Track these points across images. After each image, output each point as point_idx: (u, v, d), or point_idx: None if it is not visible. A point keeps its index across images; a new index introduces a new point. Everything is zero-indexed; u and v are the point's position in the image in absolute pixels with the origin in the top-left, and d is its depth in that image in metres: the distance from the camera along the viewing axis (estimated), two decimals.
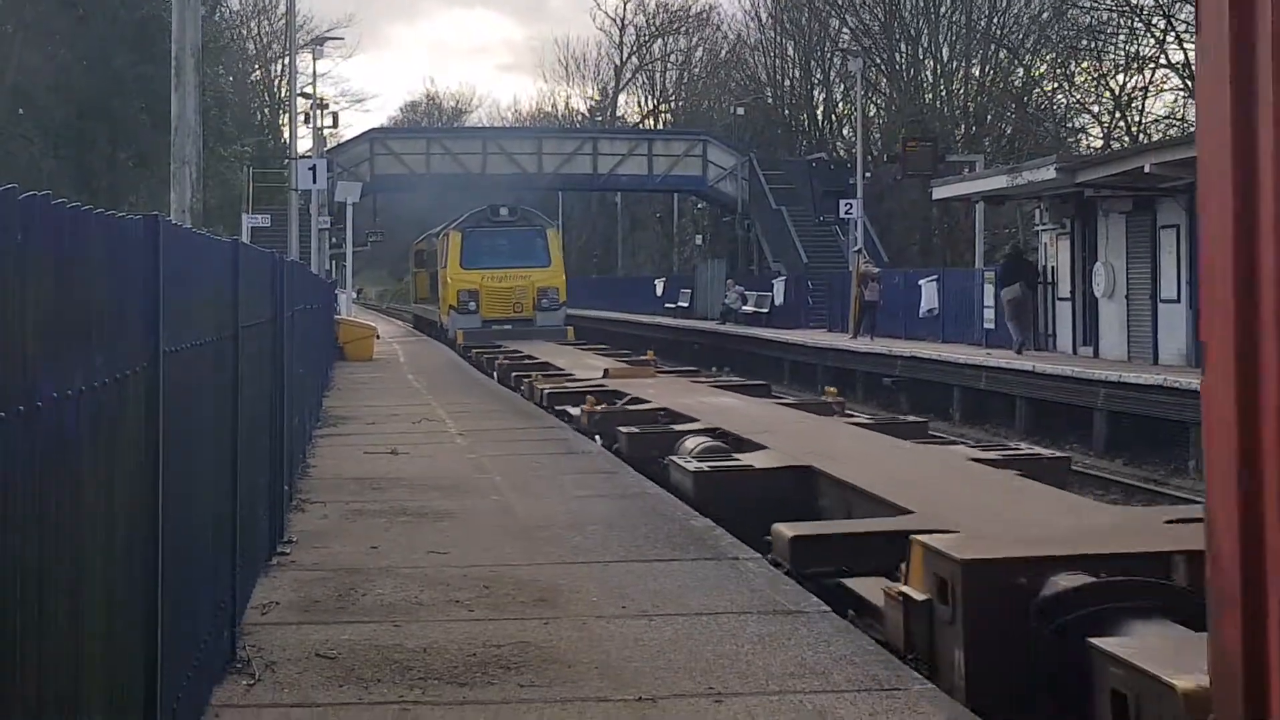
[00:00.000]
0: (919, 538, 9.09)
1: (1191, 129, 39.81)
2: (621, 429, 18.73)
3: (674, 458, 15.54)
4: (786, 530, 10.57)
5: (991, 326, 35.37)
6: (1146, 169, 25.59)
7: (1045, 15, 61.71)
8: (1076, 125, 60.35)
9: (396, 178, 69.90)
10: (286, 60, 51.93)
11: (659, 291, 69.06)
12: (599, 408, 21.28)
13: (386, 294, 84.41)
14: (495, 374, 32.64)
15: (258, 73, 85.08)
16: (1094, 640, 7.50)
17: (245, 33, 77.29)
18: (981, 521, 10.46)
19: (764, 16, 76.18)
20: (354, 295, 60.81)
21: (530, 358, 35.25)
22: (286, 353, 12.58)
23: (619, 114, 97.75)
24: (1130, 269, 29.30)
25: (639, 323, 62.07)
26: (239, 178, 46.86)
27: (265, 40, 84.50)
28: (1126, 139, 51.00)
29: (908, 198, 56.11)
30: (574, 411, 22.08)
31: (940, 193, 40.14)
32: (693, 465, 14.63)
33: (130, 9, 23.30)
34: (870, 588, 9.75)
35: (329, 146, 66.13)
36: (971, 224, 47.30)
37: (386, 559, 10.70)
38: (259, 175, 52.65)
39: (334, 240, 58.62)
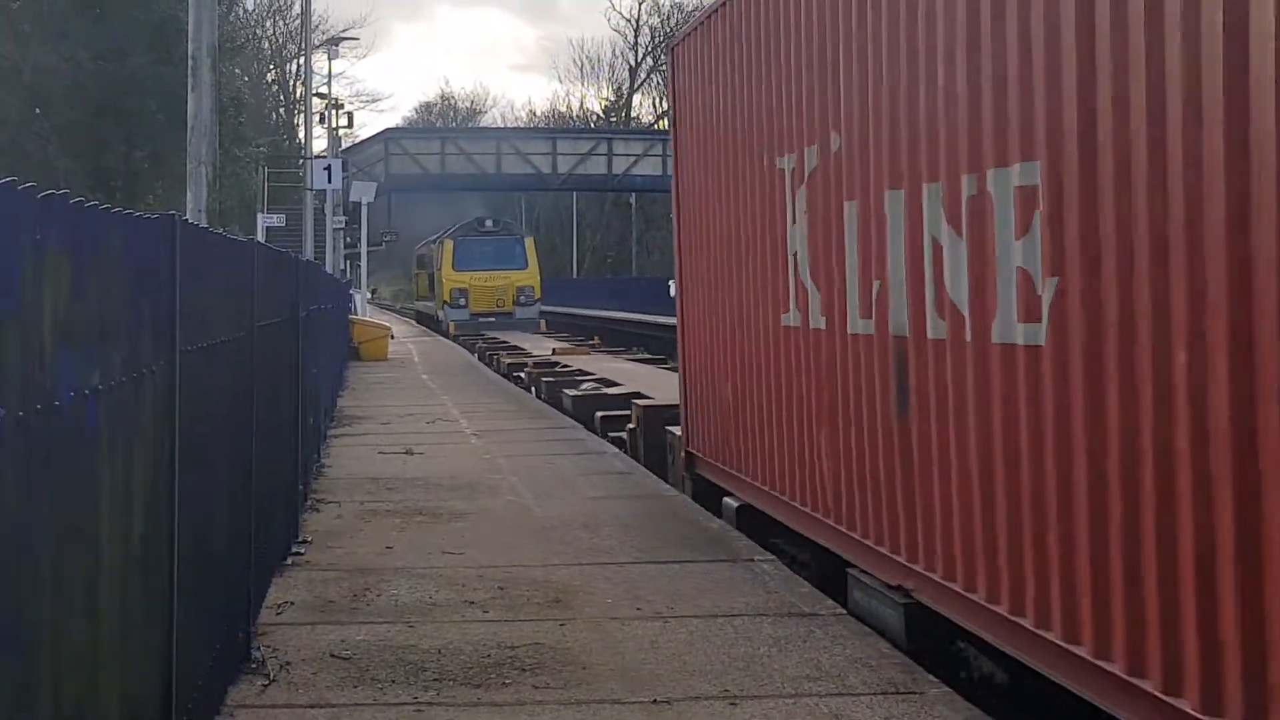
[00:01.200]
0: (637, 401, 19.52)
1: None
2: (544, 379, 29.33)
3: (568, 390, 25.45)
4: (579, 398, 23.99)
5: None
6: None
7: None
8: None
9: (411, 177, 70.23)
10: (302, 60, 52.08)
11: (672, 292, 68.78)
12: (536, 370, 31.81)
13: (401, 294, 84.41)
14: (476, 355, 41.61)
15: (273, 73, 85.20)
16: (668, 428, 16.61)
17: (260, 33, 77.41)
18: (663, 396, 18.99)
19: None
20: (368, 295, 60.85)
21: (504, 342, 45.23)
22: (302, 352, 12.60)
23: (634, 114, 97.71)
24: None
25: (642, 322, 61.54)
26: (254, 178, 46.87)
27: (280, 40, 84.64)
28: None
29: None
30: (522, 375, 32.24)
31: None
32: (574, 393, 24.82)
33: (147, 10, 23.29)
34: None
35: (344, 147, 66.29)
36: None
37: (401, 559, 10.70)
38: (274, 175, 52.65)
39: (349, 240, 58.73)
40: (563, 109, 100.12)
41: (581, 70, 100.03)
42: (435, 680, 7.51)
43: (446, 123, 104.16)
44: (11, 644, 3.21)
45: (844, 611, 8.99)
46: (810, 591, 9.54)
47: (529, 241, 61.82)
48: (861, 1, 9.67)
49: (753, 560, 10.59)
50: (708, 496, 13.74)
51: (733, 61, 13.25)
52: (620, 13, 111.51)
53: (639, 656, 7.96)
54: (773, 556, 10.71)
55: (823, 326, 10.51)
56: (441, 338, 53.86)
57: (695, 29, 15.08)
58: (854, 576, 9.43)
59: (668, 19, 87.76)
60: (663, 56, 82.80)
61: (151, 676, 5.06)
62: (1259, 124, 5.49)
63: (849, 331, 9.91)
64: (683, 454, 14.95)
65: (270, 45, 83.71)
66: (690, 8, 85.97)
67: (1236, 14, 5.58)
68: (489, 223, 61.73)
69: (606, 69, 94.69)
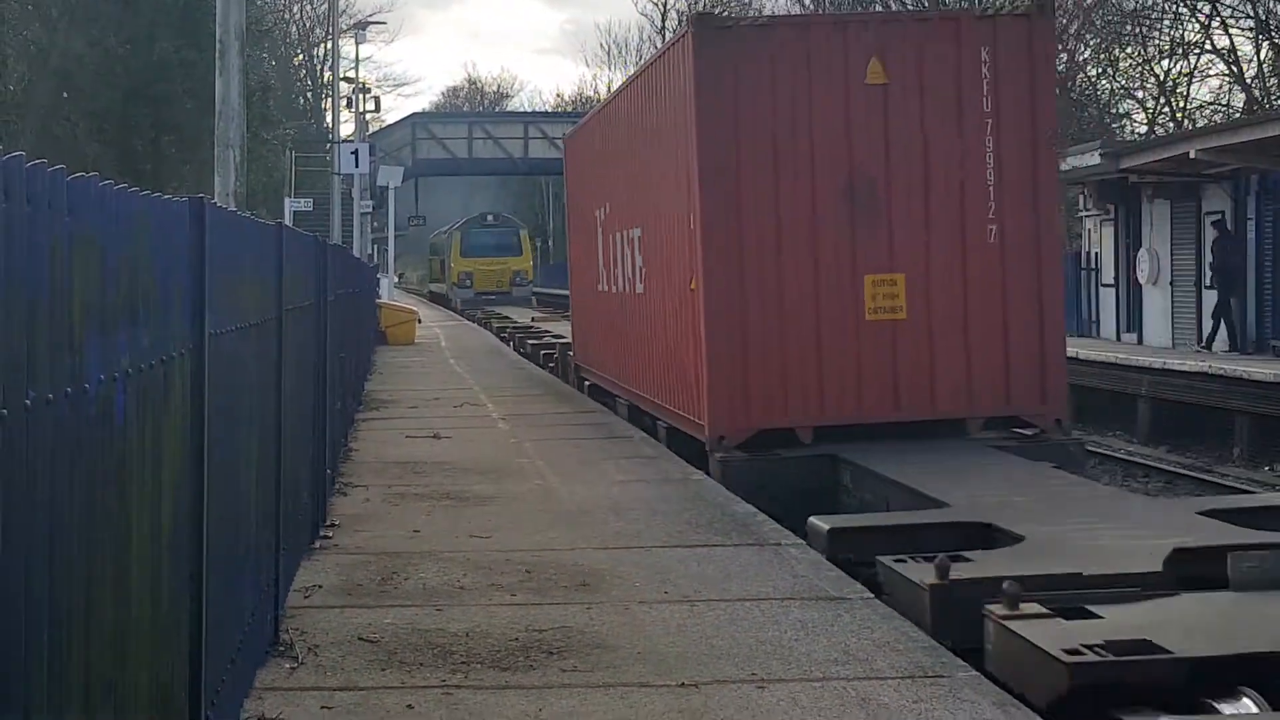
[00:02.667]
0: (556, 341, 34.39)
1: (1237, 114, 39.82)
2: (519, 337, 40.91)
3: (529, 342, 37.08)
4: (534, 345, 37.07)
5: None
6: (1192, 155, 25.59)
7: (1089, 1, 61.43)
8: (1121, 111, 59.95)
9: (438, 162, 70.47)
10: (329, 45, 52.09)
11: None
12: (515, 332, 43.10)
13: (427, 278, 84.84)
14: (490, 330, 48.33)
15: (301, 57, 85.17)
16: (569, 354, 29.25)
17: (288, 17, 77.34)
18: None
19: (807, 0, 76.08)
20: (395, 279, 61.21)
21: (500, 314, 56.13)
22: (329, 335, 12.63)
23: None
24: (1175, 255, 29.27)
25: None
26: (282, 162, 46.95)
27: (308, 25, 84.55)
28: (1171, 125, 50.64)
29: None
30: (505, 334, 43.55)
31: None
32: (532, 343, 36.59)
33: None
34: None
35: (371, 131, 66.35)
36: None
37: (428, 543, 10.75)
38: (302, 159, 52.76)
39: (376, 224, 58.98)
40: (590, 93, 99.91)
41: (609, 54, 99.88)
42: (463, 663, 7.54)
43: (474, 107, 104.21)
44: (43, 623, 3.22)
45: (871, 595, 8.99)
46: (838, 576, 9.53)
47: (524, 233, 73.95)
48: (605, 144, 22.95)
49: (780, 544, 10.59)
50: (581, 385, 25.51)
51: (581, 155, 26.38)
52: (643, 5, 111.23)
53: (667, 640, 7.99)
54: (800, 540, 10.70)
55: (608, 290, 22.64)
56: (467, 321, 55.54)
57: (574, 134, 28.94)
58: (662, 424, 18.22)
59: (695, 2, 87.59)
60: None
61: (181, 657, 5.08)
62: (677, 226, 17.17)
63: (614, 291, 22.08)
64: (573, 365, 27.28)
65: (298, 29, 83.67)
66: None
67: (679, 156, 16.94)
68: (490, 217, 73.49)
69: (634, 53, 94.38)
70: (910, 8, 58.88)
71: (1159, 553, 9.18)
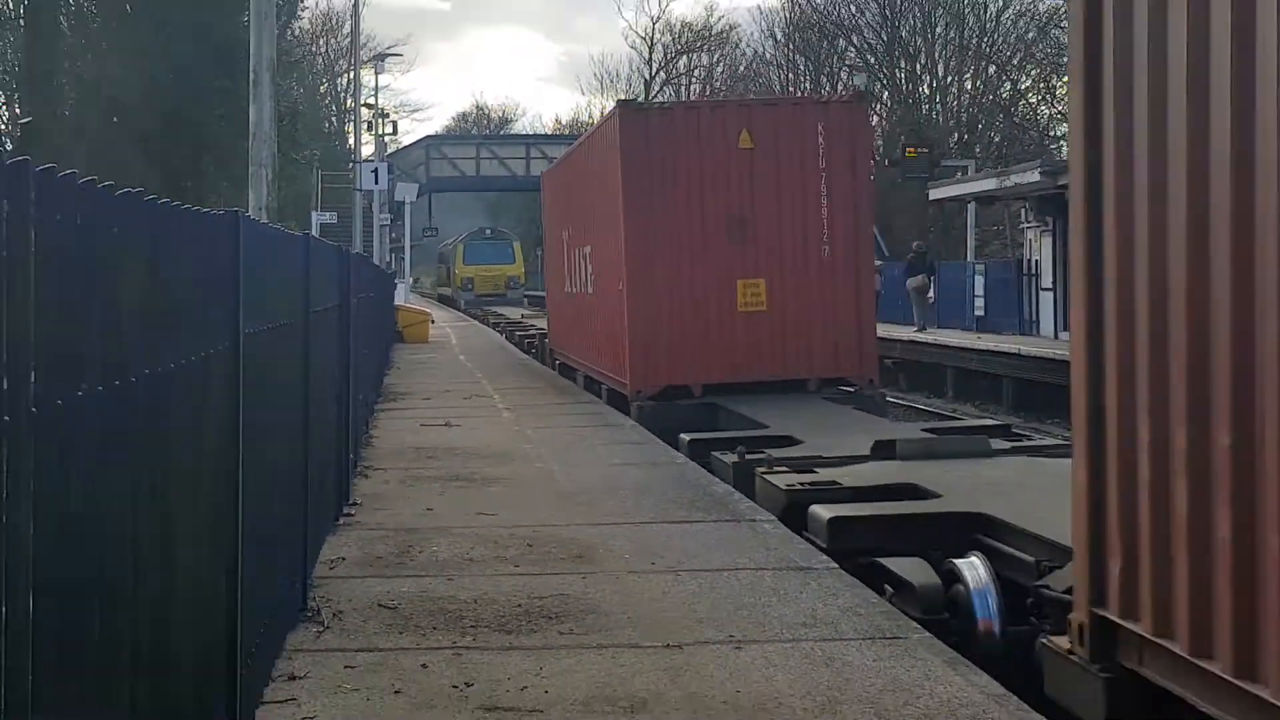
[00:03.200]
0: (537, 330, 37.69)
1: None
2: (510, 329, 43.44)
3: (517, 333, 38.77)
4: (521, 336, 39.95)
5: (982, 313, 35.41)
6: None
7: (1030, 35, 61.67)
8: (1059, 134, 60.23)
9: (449, 179, 70.96)
10: (352, 75, 52.01)
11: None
12: (508, 326, 46.23)
13: (437, 282, 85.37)
14: (494, 327, 49.85)
15: (325, 85, 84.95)
16: (545, 340, 33.32)
17: (314, 49, 77.27)
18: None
19: (779, 35, 75.95)
20: (410, 284, 61.31)
21: (496, 312, 58.82)
22: (351, 335, 12.63)
23: None
24: None
25: None
26: (309, 179, 46.95)
27: (332, 56, 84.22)
28: None
29: (907, 199, 55.96)
30: (500, 326, 47.23)
31: (936, 194, 42.11)
32: (519, 333, 37.86)
33: (212, 30, 23.35)
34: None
35: (389, 151, 66.27)
36: (964, 222, 47.60)
37: (441, 520, 10.74)
38: (327, 177, 52.80)
39: (393, 235, 59.08)
40: (584, 118, 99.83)
41: (601, 83, 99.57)
42: (472, 627, 7.54)
43: (481, 130, 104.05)
44: (94, 593, 3.23)
45: (836, 566, 9.01)
46: (806, 549, 9.55)
47: (517, 244, 76.51)
48: (567, 183, 25.93)
49: (755, 520, 10.60)
50: (554, 364, 28.31)
51: (553, 189, 29.59)
52: (636, 32, 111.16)
53: (653, 606, 8.00)
54: (773, 517, 10.74)
55: (572, 292, 25.06)
56: (472, 320, 56.59)
57: (548, 173, 31.99)
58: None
59: (679, 36, 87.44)
60: (674, 70, 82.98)
61: (219, 623, 5.09)
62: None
63: (574, 292, 24.64)
64: (549, 349, 30.20)
65: (323, 61, 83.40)
66: (699, 27, 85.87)
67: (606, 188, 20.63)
68: (488, 231, 77.11)
69: (624, 82, 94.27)
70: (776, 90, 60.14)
71: (869, 443, 12.97)
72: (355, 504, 11.36)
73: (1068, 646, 6.58)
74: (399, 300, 41.77)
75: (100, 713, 3.27)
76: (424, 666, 6.77)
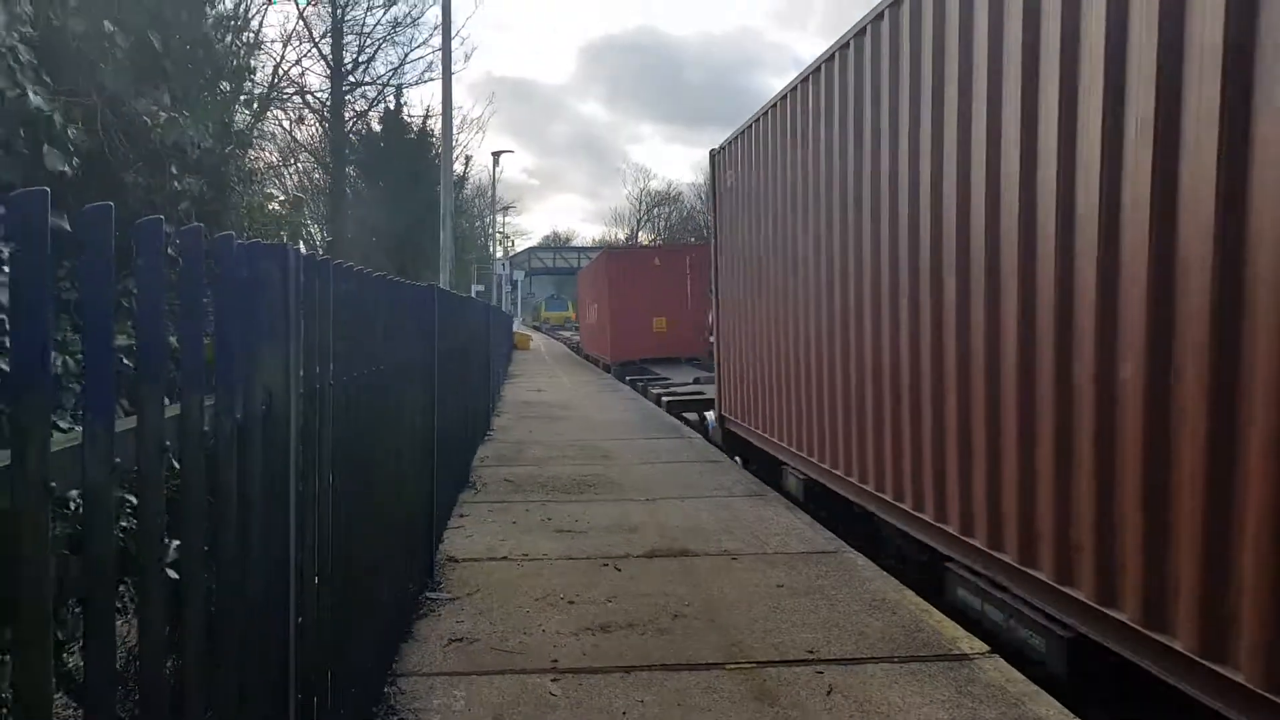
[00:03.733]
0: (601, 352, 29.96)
1: None
2: (565, 341, 40.48)
3: (572, 342, 36.83)
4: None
5: None
6: None
7: None
8: None
9: (540, 268, 70.76)
10: (490, 218, 51.91)
11: None
12: (565, 340, 41.11)
13: (530, 321, 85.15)
14: (566, 347, 44.00)
15: (479, 223, 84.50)
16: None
17: (474, 203, 77.00)
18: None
19: (702, 199, 75.42)
20: (520, 320, 61.29)
21: (558, 334, 52.88)
22: (491, 344, 12.59)
23: (638, 240, 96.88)
24: None
25: None
26: (471, 268, 46.98)
27: (482, 205, 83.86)
28: None
29: None
30: (566, 343, 40.95)
31: None
32: (572, 342, 36.33)
33: (423, 194, 23.48)
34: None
35: (511, 255, 66.10)
36: None
37: (536, 437, 10.68)
38: (482, 267, 52.78)
39: (512, 296, 58.83)
40: (609, 238, 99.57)
41: (616, 220, 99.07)
42: (550, 490, 7.49)
43: (554, 244, 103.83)
44: (362, 475, 3.23)
45: (735, 460, 8.97)
46: (717, 451, 9.52)
47: (571, 303, 73.66)
48: (586, 281, 28.04)
49: (690, 437, 10.56)
50: (585, 357, 28.43)
51: (581, 282, 31.20)
52: (630, 197, 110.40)
53: (643, 480, 7.93)
54: (700, 434, 10.68)
55: (590, 322, 26.23)
56: (553, 340, 55.54)
57: (581, 272, 32.42)
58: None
59: (652, 198, 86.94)
60: (647, 217, 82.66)
61: (427, 488, 5.08)
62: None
63: (591, 323, 26.28)
64: (577, 346, 32.20)
65: (476, 208, 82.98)
66: (660, 194, 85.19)
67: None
68: (556, 295, 74.28)
69: (626, 221, 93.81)
70: (703, 224, 59.27)
71: (694, 378, 15.56)
72: (492, 430, 11.32)
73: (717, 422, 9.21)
74: (515, 328, 41.61)
75: (370, 524, 3.27)
76: (527, 510, 6.73)
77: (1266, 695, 2.72)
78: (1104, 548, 3.46)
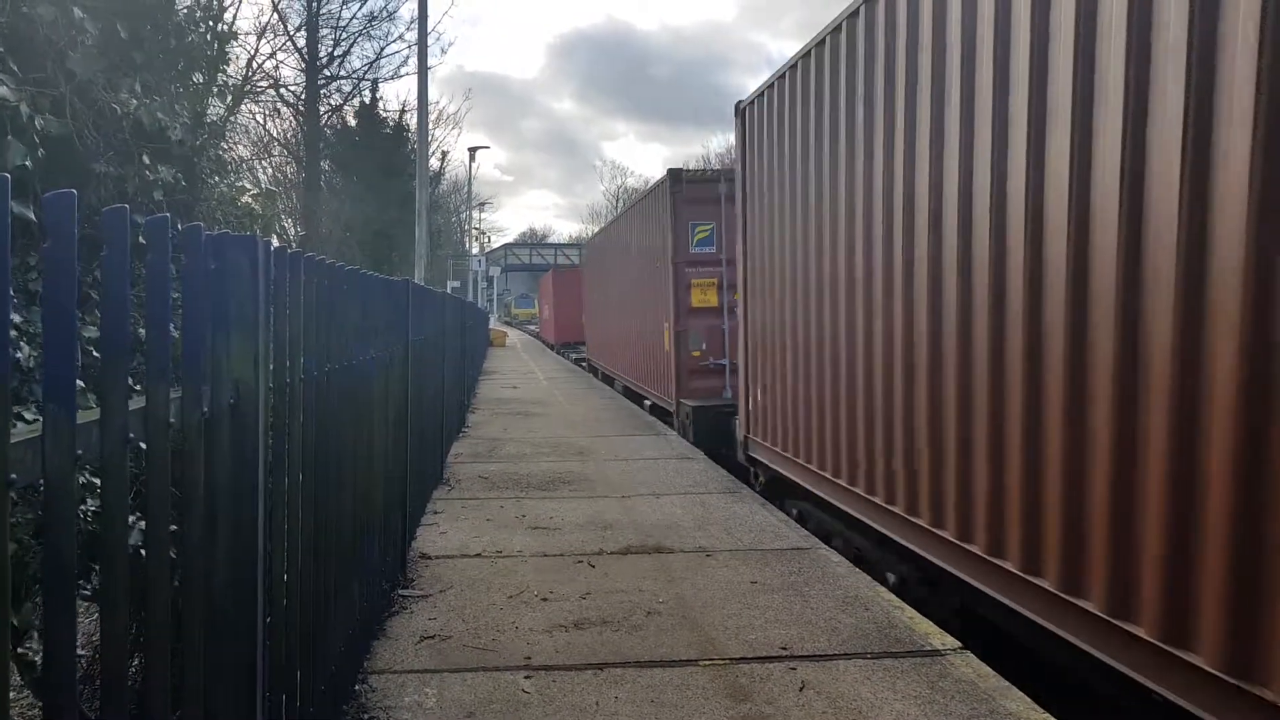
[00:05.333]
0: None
1: None
2: (532, 334, 39.96)
3: (539, 336, 35.86)
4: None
5: None
6: None
7: None
8: None
9: (516, 265, 70.56)
10: (466, 214, 51.64)
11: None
12: (532, 333, 41.53)
13: (503, 317, 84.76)
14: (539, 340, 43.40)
15: (454, 218, 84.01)
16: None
17: (450, 200, 76.57)
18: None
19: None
20: (497, 317, 61.08)
21: (526, 329, 52.88)
22: (466, 340, 12.52)
23: None
24: None
25: None
26: (445, 264, 46.67)
27: (458, 202, 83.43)
28: None
29: None
30: (531, 335, 42.10)
31: None
32: (539, 336, 34.70)
33: (399, 189, 23.28)
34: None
35: (487, 251, 65.84)
36: None
37: (510, 434, 10.63)
38: (458, 263, 52.46)
39: (488, 293, 58.59)
40: (586, 235, 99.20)
41: (593, 217, 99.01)
42: (525, 487, 7.47)
43: (531, 240, 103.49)
44: (334, 471, 3.20)
45: (706, 456, 8.98)
46: (691, 446, 9.52)
47: (538, 299, 79.64)
48: (545, 287, 32.58)
49: (665, 434, 10.55)
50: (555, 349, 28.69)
51: (544, 290, 30.52)
52: (605, 194, 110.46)
53: (617, 477, 7.92)
54: (674, 431, 10.67)
55: (547, 319, 27.94)
56: (533, 339, 55.50)
57: (543, 279, 32.06)
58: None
59: (631, 193, 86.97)
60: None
61: (400, 485, 5.04)
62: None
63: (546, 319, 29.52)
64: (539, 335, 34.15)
65: (452, 204, 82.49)
66: (634, 188, 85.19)
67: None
68: (523, 294, 73.05)
69: (602, 218, 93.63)
70: None
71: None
72: (468, 426, 11.27)
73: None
74: (491, 325, 41.44)
75: (341, 520, 3.25)
76: (501, 507, 6.70)
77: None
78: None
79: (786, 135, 6.45)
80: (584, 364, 22.19)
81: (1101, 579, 3.21)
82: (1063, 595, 3.44)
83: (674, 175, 10.60)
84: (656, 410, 12.41)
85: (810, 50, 5.98)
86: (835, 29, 5.61)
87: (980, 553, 4.03)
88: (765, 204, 6.84)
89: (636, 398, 13.84)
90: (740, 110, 7.49)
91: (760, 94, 6.94)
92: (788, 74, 6.39)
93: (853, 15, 5.36)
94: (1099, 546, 3.25)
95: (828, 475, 5.74)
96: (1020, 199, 3.77)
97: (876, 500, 5.05)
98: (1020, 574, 3.75)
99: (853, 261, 5.35)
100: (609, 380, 16.87)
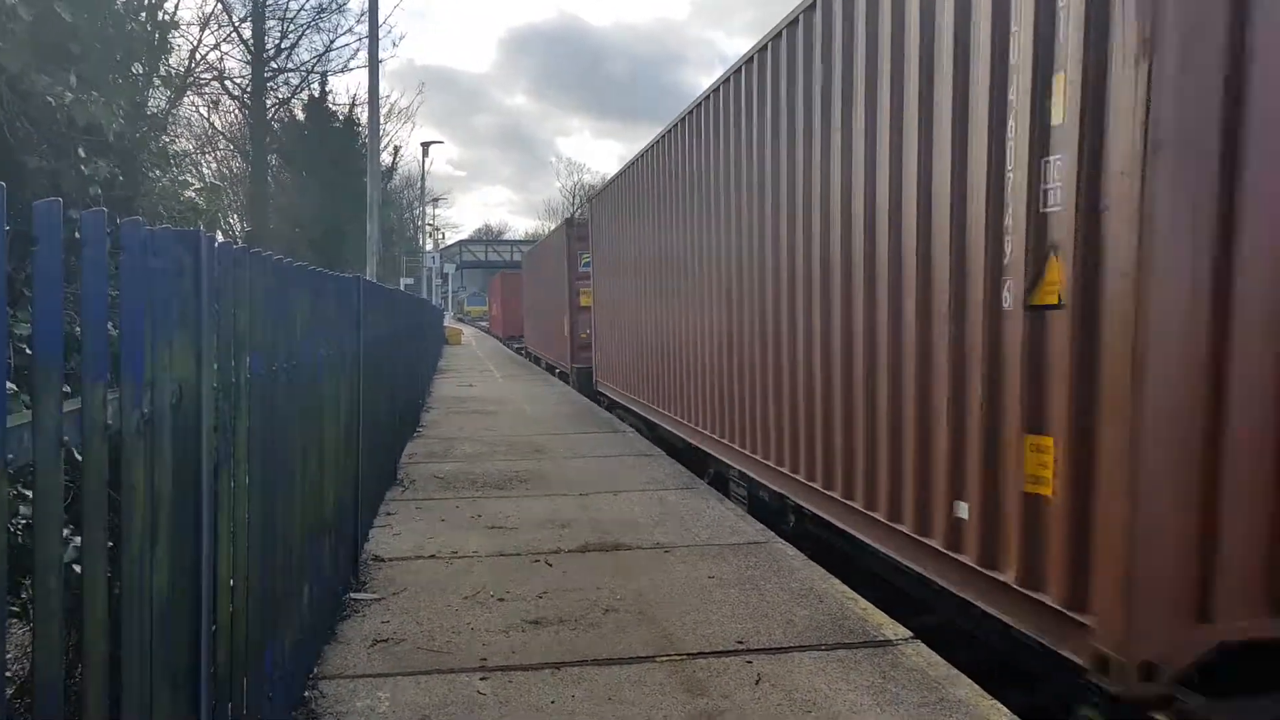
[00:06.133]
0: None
1: None
2: (487, 330, 38.27)
3: (492, 333, 35.33)
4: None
5: None
6: None
7: None
8: None
9: (471, 261, 69.95)
10: (420, 209, 51.09)
11: None
12: (485, 330, 40.26)
13: (457, 314, 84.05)
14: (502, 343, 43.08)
15: (408, 215, 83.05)
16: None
17: (402, 194, 75.69)
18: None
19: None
20: (451, 314, 60.52)
21: (478, 326, 52.38)
22: (423, 338, 12.39)
23: None
24: None
25: None
26: (399, 260, 46.02)
27: (411, 197, 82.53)
28: None
29: None
30: (482, 329, 42.81)
31: None
32: (493, 334, 34.42)
33: (351, 183, 22.93)
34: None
35: (442, 247, 65.19)
36: None
37: (466, 433, 10.55)
38: (410, 259, 51.84)
39: (443, 290, 57.99)
40: (543, 231, 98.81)
41: (549, 213, 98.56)
42: (481, 486, 7.41)
43: (487, 237, 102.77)
44: (282, 469, 3.14)
45: (664, 453, 9.01)
46: (649, 445, 9.53)
47: (490, 297, 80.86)
48: (493, 286, 38.40)
49: (624, 432, 10.57)
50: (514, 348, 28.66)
51: (493, 289, 35.04)
52: (564, 191, 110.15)
53: (575, 475, 7.90)
54: (634, 429, 10.70)
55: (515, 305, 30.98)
56: (484, 334, 55.23)
57: (492, 280, 35.22)
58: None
59: (589, 190, 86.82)
60: (585, 206, 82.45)
61: (351, 487, 4.97)
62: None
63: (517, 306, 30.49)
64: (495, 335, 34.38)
65: (405, 199, 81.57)
66: (594, 187, 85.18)
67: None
68: (475, 291, 72.80)
69: (558, 214, 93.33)
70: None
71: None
72: (422, 425, 11.15)
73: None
74: (446, 322, 41.03)
75: (289, 523, 3.19)
76: (457, 507, 6.65)
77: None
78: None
79: (615, 217, 11.28)
80: (523, 352, 26.47)
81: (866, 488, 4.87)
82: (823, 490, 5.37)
83: (569, 222, 16.84)
84: (555, 371, 18.18)
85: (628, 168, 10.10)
86: (651, 147, 9.21)
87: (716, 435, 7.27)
88: (603, 255, 11.75)
89: (550, 368, 18.46)
90: (590, 201, 12.06)
91: (599, 194, 11.68)
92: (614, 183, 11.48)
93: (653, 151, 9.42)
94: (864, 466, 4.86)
95: (634, 397, 10.33)
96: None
97: (660, 409, 9.25)
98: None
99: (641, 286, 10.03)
100: (536, 360, 22.17)
